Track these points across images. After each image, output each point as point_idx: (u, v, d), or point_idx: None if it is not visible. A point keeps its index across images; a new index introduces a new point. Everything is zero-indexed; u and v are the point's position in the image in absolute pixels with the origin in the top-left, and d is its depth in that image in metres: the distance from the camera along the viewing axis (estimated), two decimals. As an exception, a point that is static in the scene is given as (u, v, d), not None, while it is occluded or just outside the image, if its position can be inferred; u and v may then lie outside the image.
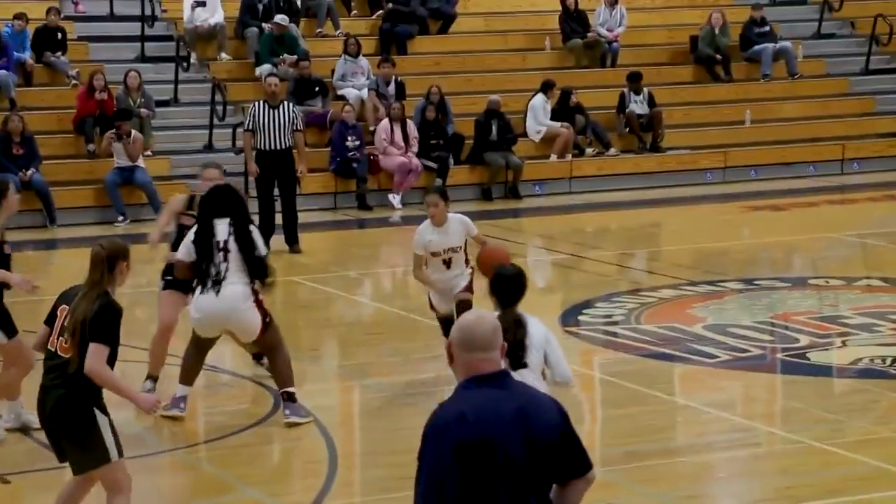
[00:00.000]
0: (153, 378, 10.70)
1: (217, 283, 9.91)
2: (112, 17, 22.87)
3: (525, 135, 22.39)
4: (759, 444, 10.10)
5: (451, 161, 21.51)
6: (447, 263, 11.04)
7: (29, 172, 19.29)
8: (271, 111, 17.25)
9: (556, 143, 22.35)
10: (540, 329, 6.89)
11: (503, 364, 5.10)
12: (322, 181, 20.65)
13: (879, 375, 11.47)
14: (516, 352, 6.50)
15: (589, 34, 24.23)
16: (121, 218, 19.42)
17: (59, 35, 21.65)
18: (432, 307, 11.38)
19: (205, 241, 9.99)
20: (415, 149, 21.17)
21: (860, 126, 24.41)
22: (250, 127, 17.35)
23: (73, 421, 7.27)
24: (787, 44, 24.91)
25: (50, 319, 7.48)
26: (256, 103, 17.60)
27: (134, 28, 22.57)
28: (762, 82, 24.65)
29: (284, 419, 10.12)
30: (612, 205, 21.16)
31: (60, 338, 7.34)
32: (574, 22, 24.29)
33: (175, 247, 10.58)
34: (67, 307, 7.36)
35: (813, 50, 25.64)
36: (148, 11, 22.53)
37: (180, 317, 10.84)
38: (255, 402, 10.95)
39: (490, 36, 24.42)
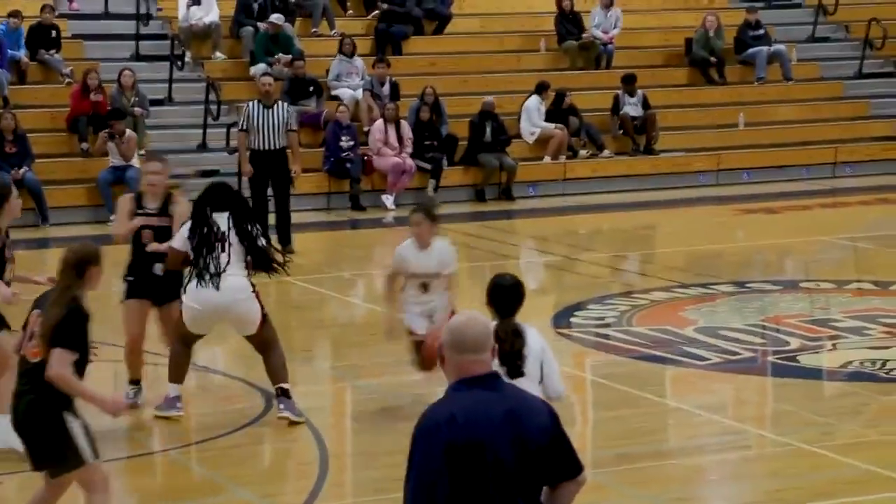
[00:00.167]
0: (135, 381, 10.60)
1: (216, 276, 9.93)
2: (106, 16, 22.89)
3: (519, 136, 22.41)
4: (749, 446, 10.13)
5: (445, 162, 21.54)
6: (425, 287, 10.29)
7: (21, 171, 19.31)
8: (266, 111, 17.24)
9: (550, 145, 22.38)
10: (537, 340, 6.91)
11: (495, 366, 5.11)
12: (316, 181, 20.67)
13: (869, 378, 11.50)
14: (514, 361, 6.51)
15: (584, 36, 24.26)
16: (113, 217, 19.41)
17: (54, 33, 21.66)
18: (410, 332, 10.51)
19: (203, 234, 10.00)
20: (409, 149, 21.19)
21: (853, 130, 24.46)
22: (244, 127, 17.34)
23: (43, 426, 7.24)
24: (782, 47, 24.95)
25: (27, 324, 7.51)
26: (251, 103, 17.59)
27: (128, 26, 22.57)
28: (756, 85, 24.69)
29: (278, 413, 10.13)
30: (606, 207, 21.19)
31: (30, 343, 7.33)
32: (569, 23, 24.32)
33: (135, 245, 10.45)
34: (40, 312, 7.36)
35: (807, 53, 25.69)
36: (143, 10, 22.56)
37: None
38: (247, 402, 10.94)
39: (485, 37, 24.46)
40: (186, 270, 10.13)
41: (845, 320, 13.38)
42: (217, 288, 9.93)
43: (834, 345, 12.60)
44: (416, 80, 22.37)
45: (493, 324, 6.34)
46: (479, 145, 21.75)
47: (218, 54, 22.69)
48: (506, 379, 5.59)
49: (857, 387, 11.37)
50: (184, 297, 10.12)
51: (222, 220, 10.06)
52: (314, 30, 23.50)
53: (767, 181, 22.84)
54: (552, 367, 6.98)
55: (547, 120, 22.49)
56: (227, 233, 10.04)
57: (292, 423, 10.13)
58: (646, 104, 23.13)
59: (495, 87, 22.82)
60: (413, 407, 9.08)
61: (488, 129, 21.81)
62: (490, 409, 4.92)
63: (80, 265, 7.36)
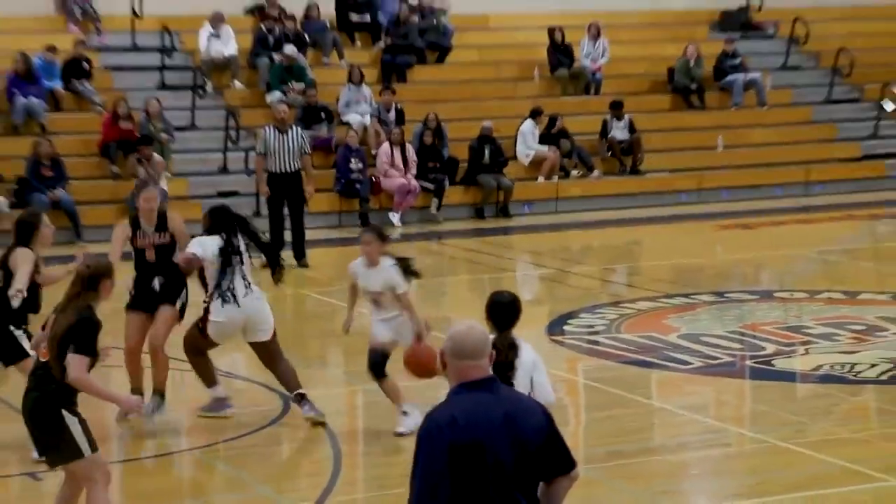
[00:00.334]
0: (137, 390, 10.40)
1: (234, 296, 10.05)
2: (134, 49, 22.92)
3: (515, 158, 22.45)
4: (729, 444, 10.13)
5: (447, 182, 21.57)
6: (376, 302, 10.05)
7: (57, 192, 19.37)
8: (281, 136, 17.29)
9: (543, 166, 22.42)
10: (530, 354, 6.93)
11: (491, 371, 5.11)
12: (328, 201, 20.70)
13: (839, 381, 11.52)
14: (505, 372, 6.53)
15: (574, 65, 24.31)
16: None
17: (86, 65, 21.72)
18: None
19: (226, 256, 10.12)
20: (413, 171, 21.22)
21: (823, 151, 24.49)
22: (262, 150, 17.39)
23: (45, 420, 7.37)
24: (757, 75, 25.00)
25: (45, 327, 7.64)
26: (267, 128, 17.63)
27: (154, 59, 22.62)
28: (733, 110, 24.74)
29: (304, 415, 10.18)
30: (596, 223, 21.19)
31: (42, 345, 7.45)
32: (560, 54, 24.38)
33: (137, 263, 10.40)
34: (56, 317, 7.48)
35: (780, 81, 25.72)
36: (167, 43, 22.61)
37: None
38: (266, 405, 10.95)
39: (483, 66, 24.50)
40: (210, 290, 10.21)
41: (817, 327, 13.40)
42: (238, 304, 10.10)
43: (806, 350, 12.62)
44: (419, 107, 22.40)
45: (490, 335, 6.37)
46: (479, 167, 21.79)
47: (236, 84, 22.75)
48: None
49: (829, 388, 11.39)
50: (211, 315, 10.19)
51: (235, 238, 10.22)
52: (325, 60, 23.55)
53: (744, 199, 22.85)
54: (542, 378, 6.97)
55: (540, 143, 22.53)
56: (240, 248, 10.23)
57: (316, 424, 10.17)
58: (632, 128, 23.17)
59: (493, 113, 22.86)
60: (419, 409, 9.08)
61: (486, 152, 21.85)
62: (489, 411, 4.92)
63: (94, 278, 7.48)
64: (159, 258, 10.39)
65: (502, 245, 19.74)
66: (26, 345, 9.45)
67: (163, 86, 22.39)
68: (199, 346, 10.39)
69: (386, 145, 21.25)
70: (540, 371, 6.96)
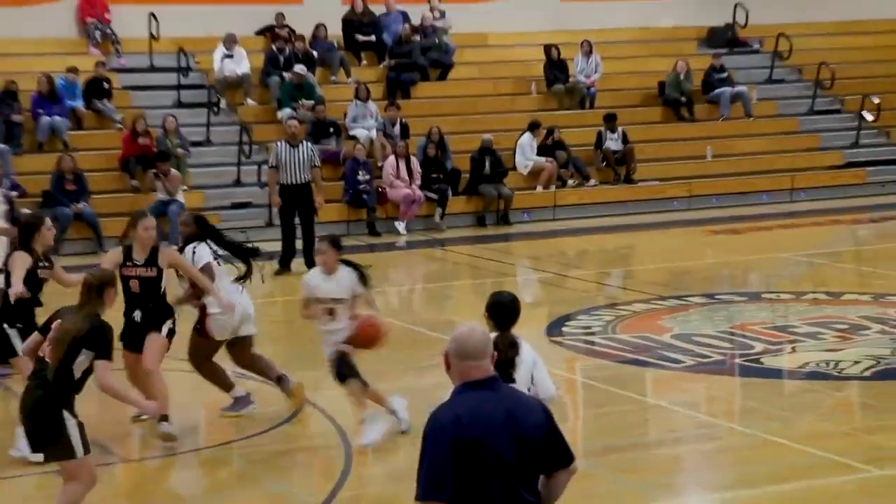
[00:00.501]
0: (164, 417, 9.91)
1: (226, 291, 10.20)
2: (151, 69, 22.93)
3: (514, 169, 22.44)
4: (720, 437, 10.11)
5: (450, 192, 21.56)
6: (331, 313, 9.75)
7: (80, 205, 19.38)
8: (292, 150, 17.29)
9: (541, 176, 22.41)
10: (530, 353, 6.92)
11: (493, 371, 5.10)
12: (337, 211, 20.69)
13: (824, 377, 11.50)
14: (507, 369, 6.51)
15: (569, 80, 24.32)
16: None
17: (106, 85, 21.73)
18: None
19: (217, 257, 10.34)
20: (418, 182, 21.22)
21: (807, 160, 24.47)
22: (274, 164, 17.39)
23: (45, 419, 7.36)
24: (743, 88, 24.99)
25: (43, 330, 7.62)
26: (279, 143, 17.63)
27: (171, 78, 22.62)
28: (721, 122, 24.73)
29: (287, 390, 10.48)
30: (592, 230, 21.16)
31: (49, 347, 7.44)
32: (556, 70, 24.38)
33: (124, 293, 9.79)
34: (60, 322, 7.48)
35: (765, 93, 25.71)
36: (183, 63, 22.61)
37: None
38: (277, 404, 10.92)
39: (483, 82, 24.50)
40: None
41: (802, 326, 13.39)
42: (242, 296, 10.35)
43: (793, 348, 12.60)
44: (423, 121, 22.40)
45: (492, 335, 6.35)
46: (480, 177, 21.79)
47: (249, 101, 22.75)
48: None
49: (814, 384, 11.37)
50: (209, 310, 10.22)
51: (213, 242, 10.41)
52: (333, 78, 23.55)
53: (733, 206, 22.82)
54: (543, 374, 6.95)
55: (538, 154, 22.53)
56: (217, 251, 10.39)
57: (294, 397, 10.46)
58: (625, 139, 23.16)
59: (493, 126, 22.84)
60: (424, 407, 9.06)
61: (487, 163, 21.85)
62: (491, 410, 4.93)
63: (100, 287, 7.52)
64: (143, 290, 9.88)
65: (503, 251, 19.73)
66: (18, 344, 9.36)
67: (179, 104, 22.38)
68: (203, 352, 10.36)
69: (392, 158, 21.25)
70: (540, 368, 6.95)
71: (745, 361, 12.16)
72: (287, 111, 21.59)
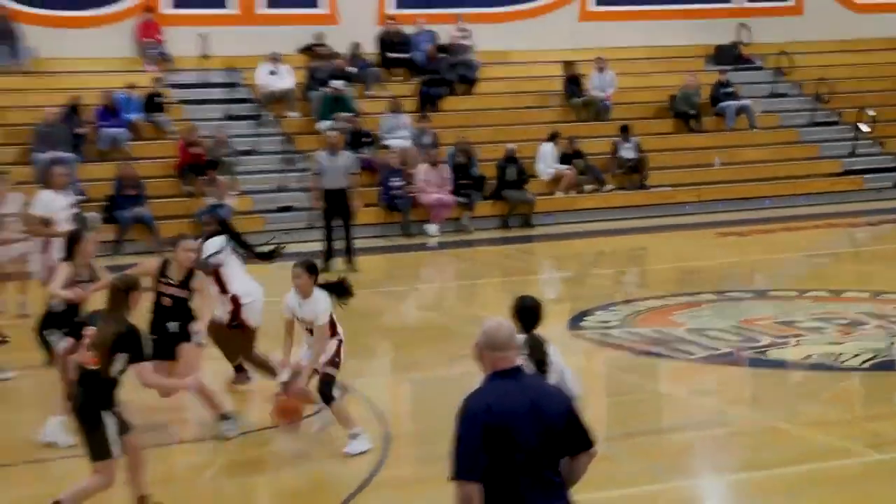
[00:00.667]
0: (224, 416, 9.69)
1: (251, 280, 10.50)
2: (203, 85, 22.99)
3: (535, 176, 22.39)
4: (730, 424, 10.04)
5: (477, 197, 21.54)
6: (311, 332, 9.21)
7: (139, 209, 19.44)
8: (332, 158, 17.31)
9: (561, 182, 22.36)
10: (557, 356, 6.90)
11: (519, 362, 5.12)
12: (373, 214, 20.69)
13: (828, 369, 11.41)
14: (541, 368, 6.50)
15: (586, 94, 24.25)
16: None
17: (161, 99, 21.79)
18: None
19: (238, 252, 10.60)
20: (448, 188, 21.20)
21: (807, 168, 24.33)
22: (316, 171, 17.42)
23: (86, 418, 7.33)
24: (748, 101, 24.88)
25: (73, 332, 7.66)
26: (320, 152, 17.66)
27: (221, 93, 22.69)
28: (728, 133, 24.61)
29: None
30: (608, 232, 21.10)
31: (87, 352, 7.37)
32: (574, 84, 24.33)
33: (154, 306, 9.65)
34: (92, 327, 7.40)
35: (768, 106, 25.58)
36: (232, 79, 22.67)
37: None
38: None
39: (506, 96, 24.45)
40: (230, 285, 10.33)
41: (806, 321, 13.29)
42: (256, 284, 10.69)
43: (798, 341, 12.49)
44: (451, 132, 22.39)
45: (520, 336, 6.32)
46: (504, 183, 21.76)
47: (292, 114, 22.77)
48: None
49: (818, 375, 11.30)
50: (241, 300, 10.39)
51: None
52: (368, 92, 23.56)
53: (739, 210, 22.73)
54: (568, 375, 6.93)
55: (559, 162, 22.48)
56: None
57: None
58: (638, 149, 23.08)
59: (516, 137, 22.81)
60: (456, 394, 9.03)
61: (511, 171, 21.81)
62: (517, 397, 4.96)
63: (127, 291, 7.43)
64: (174, 307, 9.66)
65: (526, 251, 19.70)
66: (58, 345, 9.34)
67: (228, 116, 22.42)
68: (249, 344, 10.34)
69: (423, 165, 21.24)
70: (566, 371, 6.93)
71: (754, 354, 12.07)
72: (326, 123, 21.59)
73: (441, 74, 23.85)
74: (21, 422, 10.06)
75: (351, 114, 22.06)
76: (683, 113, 24.47)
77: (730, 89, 24.87)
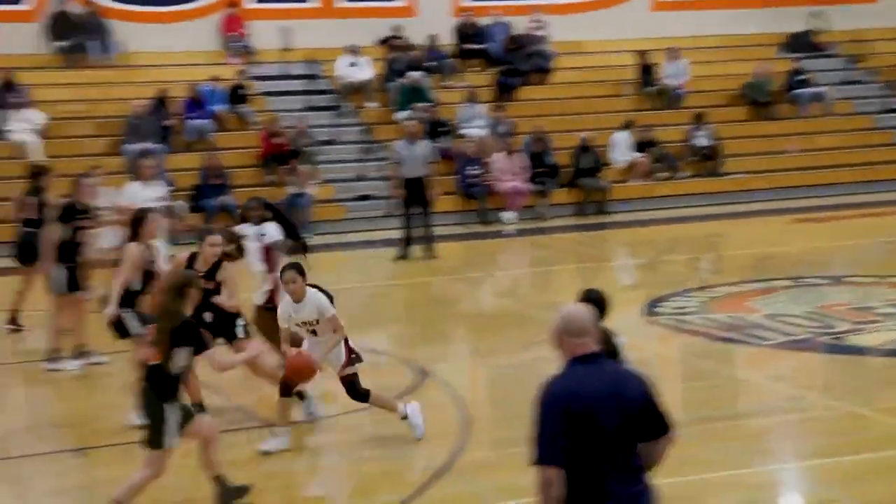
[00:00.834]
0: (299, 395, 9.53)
1: None
2: (285, 77, 23.13)
3: (610, 164, 22.23)
4: (806, 409, 9.88)
5: (552, 185, 21.44)
6: (314, 333, 8.93)
7: (223, 197, 19.60)
8: (410, 147, 17.31)
9: (635, 170, 22.19)
10: (624, 345, 6.84)
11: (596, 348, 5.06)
12: (451, 202, 20.68)
13: (905, 354, 11.22)
14: (614, 356, 6.42)
15: (660, 83, 24.02)
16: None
17: (245, 91, 21.95)
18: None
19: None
20: (524, 176, 21.13)
21: (882, 154, 23.87)
22: (395, 160, 17.43)
23: (149, 409, 7.40)
24: (822, 89, 24.48)
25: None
26: (398, 141, 17.67)
27: (302, 84, 22.80)
28: (802, 120, 24.23)
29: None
30: (682, 219, 20.91)
31: (149, 348, 7.44)
32: (647, 74, 24.11)
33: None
34: (154, 325, 7.51)
35: (842, 93, 25.14)
36: (312, 71, 22.77)
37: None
38: (400, 377, 10.91)
39: (581, 86, 24.30)
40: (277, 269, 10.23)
41: (884, 307, 13.03)
42: None
43: (875, 327, 12.28)
44: (527, 121, 22.30)
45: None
46: (579, 171, 21.63)
47: (371, 104, 22.82)
48: None
49: (894, 361, 11.06)
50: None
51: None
52: (445, 83, 23.53)
53: (813, 196, 22.39)
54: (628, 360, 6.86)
55: (633, 150, 22.30)
56: None
57: None
58: (712, 136, 22.82)
59: (590, 125, 22.66)
60: (533, 379, 8.96)
61: (586, 159, 21.68)
62: (597, 382, 4.92)
63: (182, 287, 7.47)
64: (203, 298, 9.06)
65: (601, 238, 19.58)
66: (133, 325, 9.52)
67: (309, 107, 22.51)
68: (275, 327, 10.36)
69: (499, 154, 21.18)
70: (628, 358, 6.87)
71: (830, 339, 11.86)
72: (405, 113, 21.61)
73: (516, 65, 23.76)
74: (113, 405, 10.18)
75: (428, 104, 22.06)
76: (757, 100, 24.13)
77: (804, 77, 24.48)
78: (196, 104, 21.16)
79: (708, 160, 22.76)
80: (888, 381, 10.56)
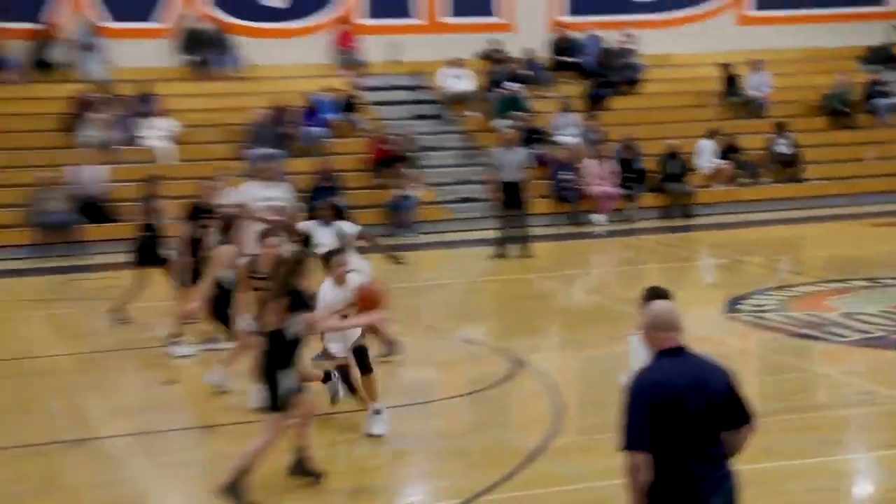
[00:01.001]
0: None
1: None
2: (392, 87, 23.28)
3: (695, 169, 22.02)
4: (881, 403, 9.72)
5: (640, 189, 21.31)
6: (345, 316, 8.70)
7: (335, 200, 19.77)
8: (508, 153, 17.34)
9: (719, 176, 21.94)
10: None
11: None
12: (545, 204, 20.64)
13: (978, 353, 10.96)
14: None
15: (743, 93, 23.72)
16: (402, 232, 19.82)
17: (356, 101, 22.15)
18: (329, 356, 9.13)
19: None
20: (613, 180, 21.03)
21: (959, 162, 23.31)
22: (494, 165, 17.48)
23: (266, 376, 7.47)
24: (900, 99, 23.98)
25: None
26: (497, 148, 17.71)
27: (408, 95, 22.94)
28: (881, 129, 23.72)
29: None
30: (764, 222, 20.59)
31: (271, 314, 7.52)
32: (732, 85, 23.82)
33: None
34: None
35: (921, 104, 24.58)
36: (418, 82, 22.88)
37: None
38: (495, 365, 10.92)
39: (668, 96, 24.06)
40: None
41: (957, 308, 12.78)
42: None
43: (949, 327, 12.04)
44: (617, 129, 22.16)
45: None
46: (666, 177, 21.46)
47: (472, 113, 22.88)
48: None
49: (966, 358, 10.86)
50: (362, 274, 10.18)
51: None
52: (541, 93, 23.49)
53: (890, 202, 21.86)
54: None
55: (717, 157, 22.06)
56: None
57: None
58: (793, 144, 22.46)
59: (676, 133, 22.42)
60: (623, 370, 8.96)
61: (672, 165, 21.50)
62: (682, 374, 4.91)
63: (298, 262, 7.63)
64: None
65: (686, 240, 19.39)
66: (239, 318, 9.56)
67: (414, 116, 22.63)
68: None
69: (591, 160, 21.10)
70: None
71: (905, 338, 11.67)
72: (503, 121, 21.64)
73: (608, 77, 23.64)
74: (232, 387, 10.38)
75: (525, 113, 22.06)
76: (837, 110, 23.69)
77: (882, 87, 23.96)
78: (311, 113, 21.43)
79: (788, 167, 22.41)
80: (961, 378, 10.34)
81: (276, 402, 7.45)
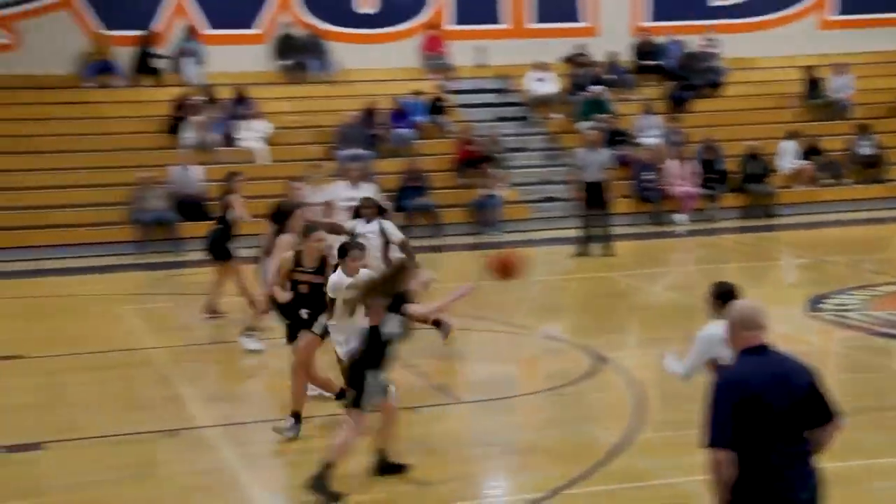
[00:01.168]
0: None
1: None
2: (479, 90, 23.19)
3: (776, 170, 21.54)
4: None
5: (722, 190, 20.91)
6: (352, 311, 8.00)
7: (422, 199, 19.77)
8: (591, 154, 17.13)
9: (801, 176, 21.44)
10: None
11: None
12: (627, 204, 20.38)
13: None
14: None
15: (825, 96, 23.14)
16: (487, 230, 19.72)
17: (443, 103, 22.11)
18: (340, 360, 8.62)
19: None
20: (695, 181, 20.67)
21: None
22: (577, 166, 17.28)
23: (355, 372, 7.43)
24: (985, 100, 23.18)
25: None
26: (580, 149, 17.51)
27: (494, 97, 22.83)
28: (964, 129, 23.01)
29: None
30: (846, 222, 20.11)
31: (372, 311, 7.49)
32: (814, 87, 23.26)
33: (297, 299, 8.89)
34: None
35: None
36: (503, 85, 22.77)
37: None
38: (576, 362, 10.78)
39: (750, 98, 23.61)
40: None
41: None
42: None
43: None
44: (699, 131, 21.80)
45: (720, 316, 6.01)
46: (747, 177, 21.03)
47: (556, 115, 22.69)
48: None
49: None
50: None
51: None
52: (624, 96, 23.20)
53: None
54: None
55: (798, 158, 21.55)
56: None
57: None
58: (876, 145, 21.85)
59: (758, 135, 21.97)
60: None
61: (754, 166, 21.06)
62: (767, 372, 4.80)
63: (405, 269, 7.64)
64: (312, 293, 8.83)
65: (768, 240, 18.97)
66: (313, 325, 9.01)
67: (500, 118, 22.52)
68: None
69: (673, 161, 20.77)
70: None
71: None
72: (586, 123, 21.40)
73: (690, 80, 23.25)
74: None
75: (608, 115, 21.80)
76: (920, 112, 23.01)
77: (967, 89, 23.23)
78: (400, 115, 21.43)
79: (871, 168, 21.81)
80: None
81: (361, 400, 7.41)
